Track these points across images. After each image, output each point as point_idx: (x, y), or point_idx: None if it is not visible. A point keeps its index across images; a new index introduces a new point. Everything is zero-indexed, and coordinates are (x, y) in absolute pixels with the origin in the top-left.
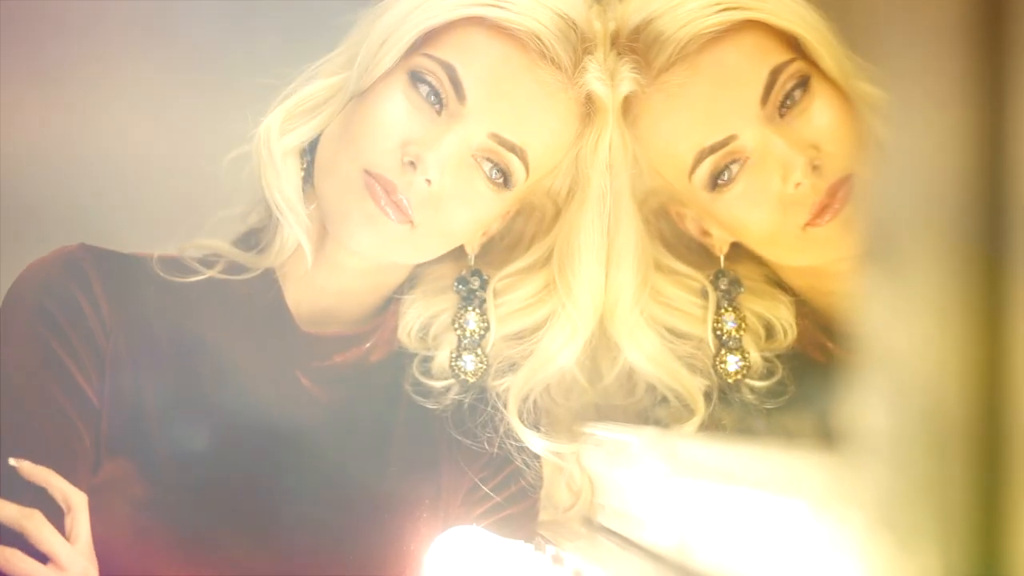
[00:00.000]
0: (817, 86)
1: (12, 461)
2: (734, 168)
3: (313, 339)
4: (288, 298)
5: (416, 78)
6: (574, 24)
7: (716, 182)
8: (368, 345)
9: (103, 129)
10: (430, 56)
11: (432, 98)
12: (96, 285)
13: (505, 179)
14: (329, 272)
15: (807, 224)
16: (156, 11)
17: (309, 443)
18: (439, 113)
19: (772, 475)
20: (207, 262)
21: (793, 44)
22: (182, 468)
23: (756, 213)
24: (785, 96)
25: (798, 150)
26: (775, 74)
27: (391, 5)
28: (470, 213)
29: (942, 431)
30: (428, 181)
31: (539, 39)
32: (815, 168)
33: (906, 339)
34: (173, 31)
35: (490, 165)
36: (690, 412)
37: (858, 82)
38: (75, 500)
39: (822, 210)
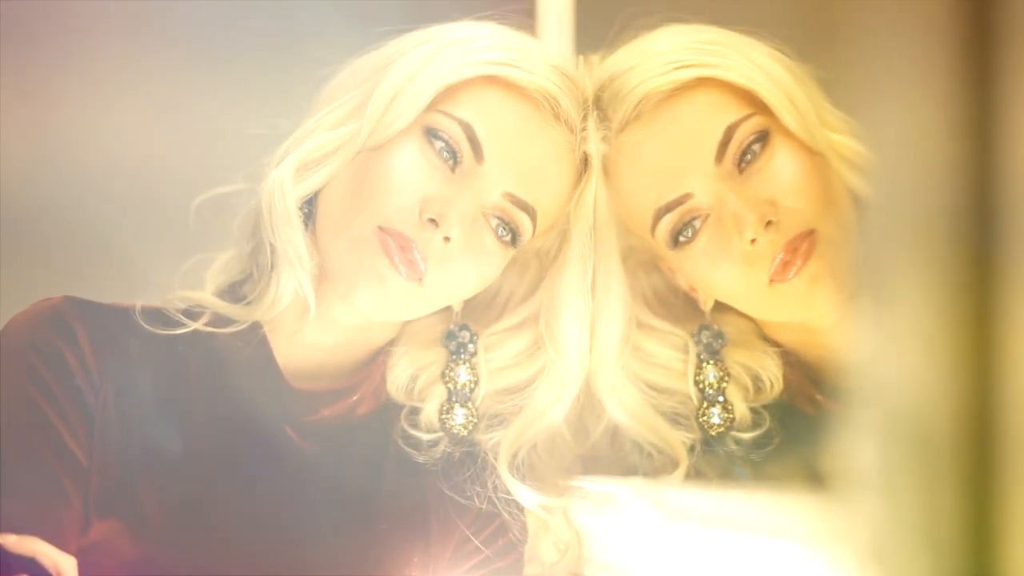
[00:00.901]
0: (778, 140)
1: None
2: (696, 224)
3: (302, 394)
4: (277, 353)
5: (432, 135)
6: (576, 84)
7: (678, 239)
8: (356, 398)
9: (97, 146)
10: (446, 114)
11: (446, 155)
12: (83, 340)
13: (513, 237)
14: (321, 328)
15: (771, 280)
16: (150, 30)
17: (298, 497)
18: (452, 170)
19: (762, 518)
20: (191, 314)
21: (756, 99)
22: (171, 525)
23: (720, 270)
24: (743, 151)
25: (750, 207)
26: (731, 130)
27: (389, 59)
28: (477, 271)
29: (931, 464)
30: (447, 239)
31: (555, 99)
32: (769, 224)
33: (895, 373)
34: (167, 64)
35: (498, 222)
36: (674, 464)
37: (827, 133)
38: (64, 565)
39: (784, 266)
